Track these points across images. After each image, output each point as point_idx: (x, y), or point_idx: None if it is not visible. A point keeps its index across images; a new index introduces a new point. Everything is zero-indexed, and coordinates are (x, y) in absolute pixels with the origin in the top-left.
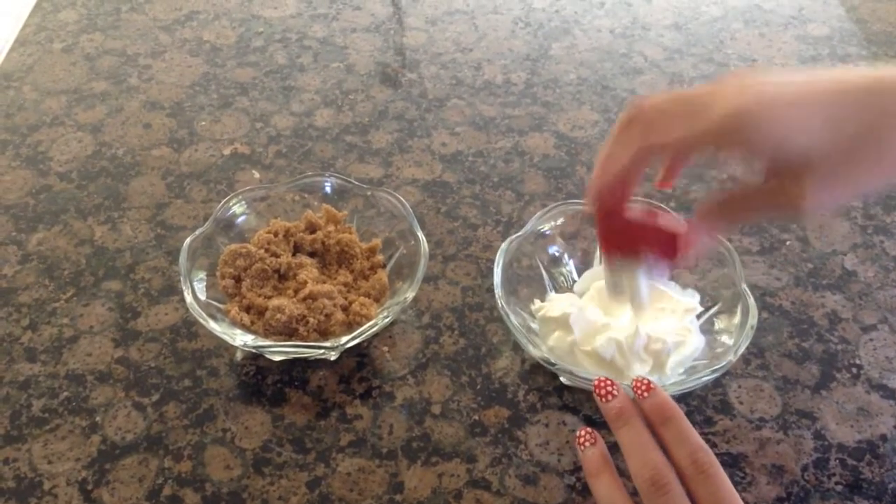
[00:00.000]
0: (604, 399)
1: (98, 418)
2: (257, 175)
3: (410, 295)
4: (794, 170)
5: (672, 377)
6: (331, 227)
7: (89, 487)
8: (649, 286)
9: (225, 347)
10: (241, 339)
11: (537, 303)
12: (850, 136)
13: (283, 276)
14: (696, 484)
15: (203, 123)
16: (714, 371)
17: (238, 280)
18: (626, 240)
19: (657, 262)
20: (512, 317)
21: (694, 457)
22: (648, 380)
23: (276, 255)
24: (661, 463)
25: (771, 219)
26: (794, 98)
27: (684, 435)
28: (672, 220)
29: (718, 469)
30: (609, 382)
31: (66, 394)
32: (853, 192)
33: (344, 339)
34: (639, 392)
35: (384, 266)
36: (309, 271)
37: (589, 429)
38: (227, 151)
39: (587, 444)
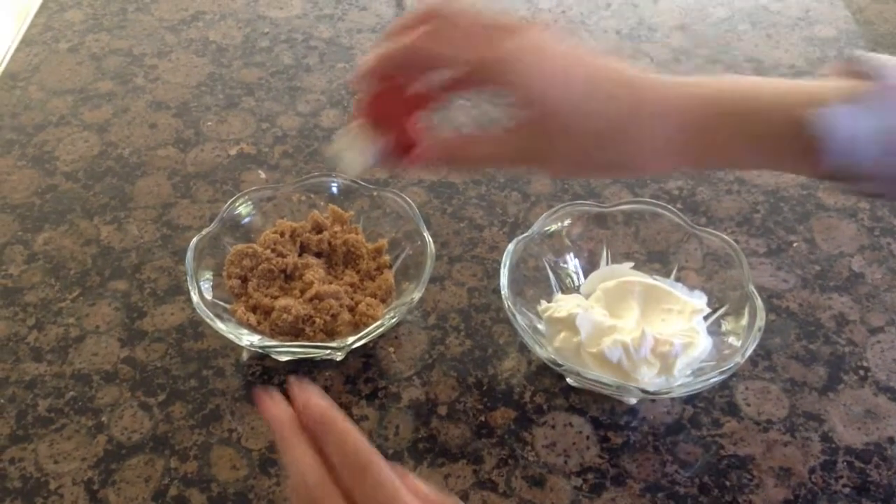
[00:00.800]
0: (264, 416)
1: (104, 418)
2: (263, 175)
3: (417, 296)
4: (539, 120)
5: (679, 379)
6: (337, 228)
7: (95, 487)
8: (366, 161)
9: (231, 348)
10: (248, 340)
11: (544, 304)
12: (597, 111)
13: (289, 276)
14: (353, 487)
15: (209, 123)
16: (721, 373)
17: (244, 280)
18: (378, 116)
19: (386, 151)
20: (519, 317)
21: (349, 461)
22: (300, 384)
23: (283, 256)
24: (314, 484)
25: (503, 166)
26: (564, 65)
27: (341, 442)
28: (421, 128)
29: (373, 465)
30: (267, 394)
31: (72, 393)
32: (584, 163)
33: (350, 339)
34: (298, 405)
35: (390, 266)
36: (315, 271)
37: (263, 390)
38: (233, 151)
39: (270, 410)
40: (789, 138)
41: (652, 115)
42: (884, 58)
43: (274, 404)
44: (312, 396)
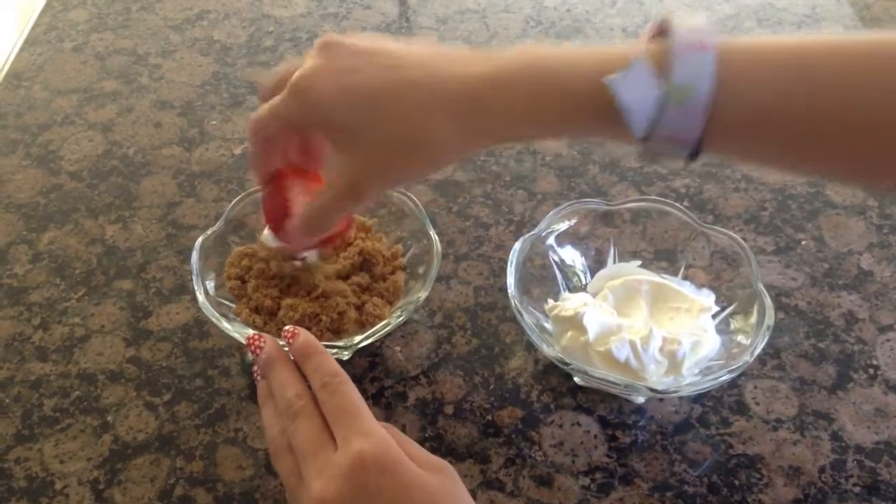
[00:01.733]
0: (255, 353)
1: (109, 418)
2: None
3: (423, 294)
4: (342, 148)
5: (687, 378)
6: (362, 235)
7: (101, 487)
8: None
9: (236, 347)
10: None
11: (550, 302)
12: (381, 123)
13: (293, 277)
14: (323, 402)
15: (214, 123)
16: (730, 371)
17: (244, 281)
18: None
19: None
20: (525, 316)
21: (324, 380)
22: (294, 327)
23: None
24: (293, 395)
25: (342, 206)
26: (343, 80)
27: (319, 365)
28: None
29: (345, 385)
30: (257, 337)
31: (77, 393)
32: (393, 174)
33: (357, 338)
34: (287, 339)
35: (404, 268)
36: (323, 270)
37: (257, 333)
38: (237, 151)
39: (260, 345)
40: (591, 105)
41: (425, 94)
42: (685, 21)
43: (264, 342)
44: (299, 332)
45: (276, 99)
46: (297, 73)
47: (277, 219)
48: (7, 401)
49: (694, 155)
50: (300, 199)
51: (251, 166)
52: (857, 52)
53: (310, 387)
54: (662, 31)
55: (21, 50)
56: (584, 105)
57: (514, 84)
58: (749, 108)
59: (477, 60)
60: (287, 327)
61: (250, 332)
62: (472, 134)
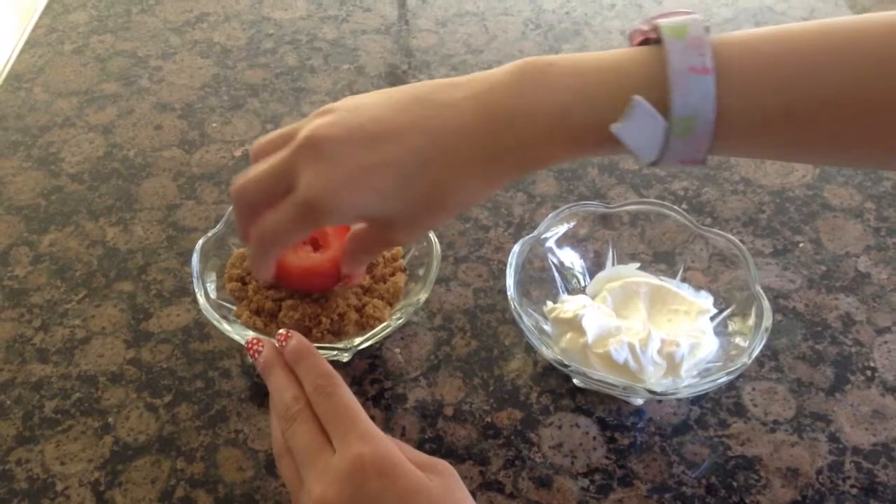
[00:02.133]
0: (253, 357)
1: (110, 419)
2: None
3: (423, 296)
4: (381, 222)
5: (686, 379)
6: None
7: (102, 488)
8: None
9: (237, 349)
10: None
11: (549, 304)
12: (420, 194)
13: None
14: (318, 405)
15: (214, 125)
16: (728, 373)
17: (244, 283)
18: (306, 283)
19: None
20: (524, 318)
21: (316, 383)
22: (287, 330)
23: None
24: (290, 399)
25: (382, 250)
26: (365, 171)
27: (311, 367)
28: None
29: (338, 388)
30: (256, 341)
31: (78, 395)
32: (436, 225)
33: (357, 340)
34: (280, 342)
35: (405, 270)
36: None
37: (255, 337)
38: (238, 153)
39: (258, 350)
40: (597, 140)
41: (431, 155)
42: (678, 26)
43: (262, 347)
44: (292, 335)
45: (285, 218)
46: (305, 194)
47: (305, 282)
48: (8, 402)
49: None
50: (308, 252)
51: (259, 271)
52: (845, 30)
53: None
54: (649, 39)
55: (21, 52)
56: (592, 139)
57: (512, 115)
58: (753, 113)
59: (468, 90)
60: (280, 331)
61: (251, 334)
62: (491, 178)
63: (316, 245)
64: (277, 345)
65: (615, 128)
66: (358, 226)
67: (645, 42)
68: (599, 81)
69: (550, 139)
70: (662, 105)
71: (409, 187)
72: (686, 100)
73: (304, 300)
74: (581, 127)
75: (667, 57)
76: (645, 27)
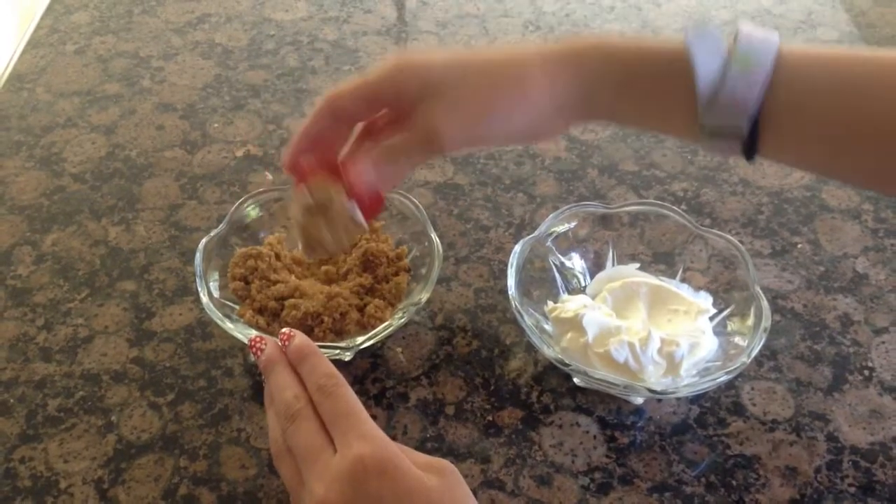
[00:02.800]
0: (255, 355)
1: (113, 418)
2: (270, 177)
3: (425, 296)
4: (429, 105)
5: (685, 379)
6: (367, 237)
7: (105, 486)
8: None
9: (239, 348)
10: None
11: (550, 304)
12: (476, 67)
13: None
14: (320, 405)
15: (215, 125)
16: (728, 372)
17: (247, 282)
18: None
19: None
20: (526, 317)
21: (318, 383)
22: (291, 329)
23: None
24: (291, 397)
25: (419, 160)
26: (436, 52)
27: (314, 367)
28: (361, 176)
29: (340, 388)
30: (259, 339)
31: (81, 393)
32: (480, 133)
33: (359, 339)
34: (283, 342)
35: (408, 270)
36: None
37: (258, 335)
38: (239, 153)
39: (261, 347)
40: (672, 77)
41: (517, 57)
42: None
43: (265, 345)
44: (295, 335)
45: (356, 80)
46: (393, 56)
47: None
48: (11, 401)
49: (749, 152)
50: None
51: (297, 144)
52: None
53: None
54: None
55: (24, 52)
56: (664, 68)
57: (596, 50)
58: (802, 105)
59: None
60: (284, 330)
61: (254, 333)
62: (558, 92)
63: None
64: (280, 344)
65: (689, 33)
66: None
67: None
68: (676, 41)
69: (625, 74)
70: (730, 49)
71: (473, 59)
72: (750, 44)
73: (305, 296)
74: (656, 51)
75: (738, 25)
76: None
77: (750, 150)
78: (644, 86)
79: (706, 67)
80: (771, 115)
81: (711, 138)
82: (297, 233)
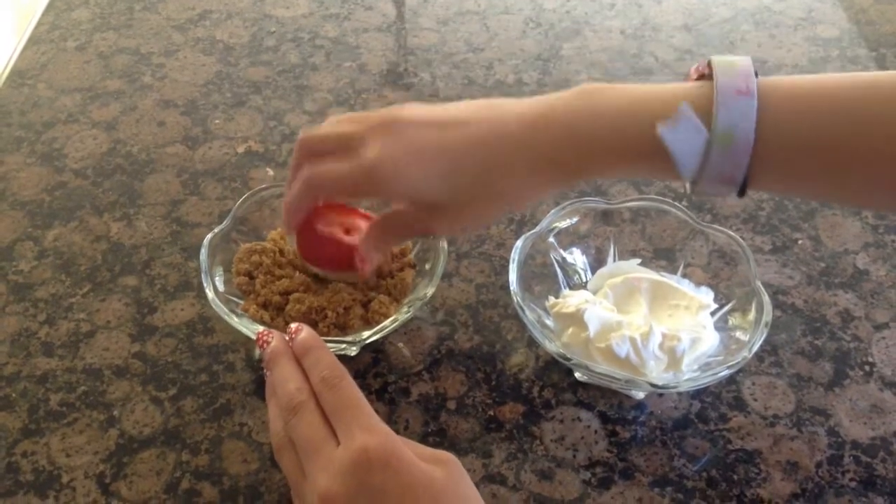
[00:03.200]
0: (262, 347)
1: (115, 412)
2: (271, 173)
3: (430, 291)
4: (424, 208)
5: (687, 373)
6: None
7: (107, 481)
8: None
9: (241, 343)
10: None
11: (551, 299)
12: (469, 179)
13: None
14: (323, 397)
15: (217, 122)
16: (729, 367)
17: (251, 277)
18: (321, 253)
19: (346, 272)
20: (527, 312)
21: (322, 375)
22: (299, 324)
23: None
24: (294, 389)
25: (415, 236)
26: (425, 151)
27: (318, 360)
28: (359, 232)
29: (343, 381)
30: (266, 332)
31: (83, 388)
32: (476, 223)
33: (365, 333)
34: (290, 335)
35: (414, 266)
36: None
37: (266, 329)
38: (240, 149)
39: (268, 340)
40: (644, 149)
41: (493, 146)
42: (729, 60)
43: (271, 339)
44: (302, 328)
45: (341, 169)
46: (368, 158)
47: (321, 251)
48: (13, 395)
49: (742, 192)
50: (338, 230)
51: (291, 211)
52: (889, 85)
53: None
54: (704, 75)
55: (24, 49)
56: (638, 148)
57: (570, 121)
58: (791, 143)
59: (534, 100)
60: (292, 325)
61: (259, 327)
62: (539, 175)
63: (346, 232)
64: (287, 338)
65: (661, 129)
66: (387, 211)
67: (700, 78)
68: (653, 98)
69: (604, 150)
70: (707, 123)
71: (461, 174)
72: (729, 115)
73: (309, 291)
74: (634, 136)
75: (716, 79)
76: (701, 65)
77: (741, 190)
78: (627, 163)
79: (686, 161)
80: (760, 161)
81: (701, 196)
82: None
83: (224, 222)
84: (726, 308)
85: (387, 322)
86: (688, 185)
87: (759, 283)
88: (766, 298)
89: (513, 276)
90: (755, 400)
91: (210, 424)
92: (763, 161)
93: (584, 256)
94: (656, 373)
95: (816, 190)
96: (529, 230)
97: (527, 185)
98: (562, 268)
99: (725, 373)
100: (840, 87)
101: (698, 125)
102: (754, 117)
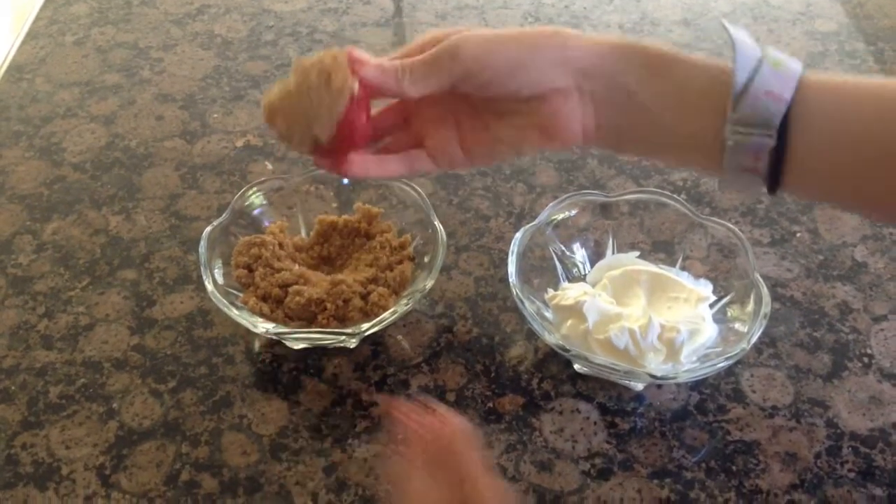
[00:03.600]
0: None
1: (115, 404)
2: (270, 166)
3: (430, 283)
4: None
5: (686, 365)
6: (366, 225)
7: (107, 472)
8: None
9: (241, 335)
10: (263, 327)
11: (550, 292)
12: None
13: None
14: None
15: (215, 116)
16: (727, 358)
17: (251, 270)
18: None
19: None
20: (527, 304)
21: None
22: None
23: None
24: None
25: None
26: (500, 39)
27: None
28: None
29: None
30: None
31: (82, 380)
32: (499, 61)
33: (365, 325)
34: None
35: (412, 259)
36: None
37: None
38: (239, 143)
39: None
40: (705, 91)
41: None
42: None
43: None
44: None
45: (419, 57)
46: (446, 40)
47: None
48: (13, 388)
49: (773, 186)
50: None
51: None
52: None
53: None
54: None
55: (23, 43)
56: (700, 62)
57: (635, 48)
58: (828, 130)
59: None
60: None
61: (258, 320)
62: (586, 92)
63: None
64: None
65: (728, 23)
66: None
67: None
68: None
69: (661, 59)
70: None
71: (522, 67)
72: (778, 55)
73: (308, 284)
74: (699, 61)
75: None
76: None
77: (772, 183)
78: (678, 74)
79: (743, 56)
80: (795, 145)
81: (736, 153)
82: (264, 110)
83: (222, 216)
84: (725, 300)
85: (386, 314)
86: (733, 102)
87: (757, 276)
88: (765, 290)
89: (512, 269)
90: (754, 391)
91: (210, 416)
92: (798, 143)
93: (583, 249)
94: (655, 364)
95: (848, 189)
96: (528, 223)
97: (569, 94)
98: (561, 260)
99: (724, 364)
100: (881, 86)
101: (755, 43)
102: (797, 74)
